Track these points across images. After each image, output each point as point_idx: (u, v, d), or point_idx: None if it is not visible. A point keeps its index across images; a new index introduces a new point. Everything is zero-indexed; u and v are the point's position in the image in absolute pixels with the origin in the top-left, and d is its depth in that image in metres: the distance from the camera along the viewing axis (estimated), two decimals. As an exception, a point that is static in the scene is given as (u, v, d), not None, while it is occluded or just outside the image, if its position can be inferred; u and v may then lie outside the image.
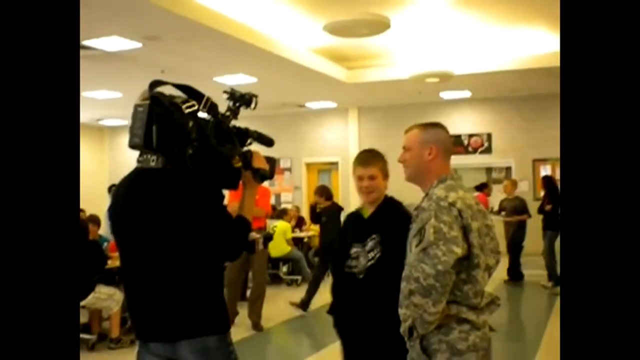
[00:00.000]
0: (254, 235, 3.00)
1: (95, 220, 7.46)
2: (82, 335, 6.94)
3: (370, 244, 3.21)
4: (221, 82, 11.23)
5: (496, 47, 11.26)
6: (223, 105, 2.64)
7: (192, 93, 2.49)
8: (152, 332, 2.54)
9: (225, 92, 2.69)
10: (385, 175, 3.35)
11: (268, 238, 3.17)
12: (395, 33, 9.42)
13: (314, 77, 11.77)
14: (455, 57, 11.46)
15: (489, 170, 15.48)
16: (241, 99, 2.67)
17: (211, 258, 2.49)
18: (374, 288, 3.16)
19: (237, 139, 2.62)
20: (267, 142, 2.78)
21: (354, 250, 3.27)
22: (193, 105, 2.42)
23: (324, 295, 9.04)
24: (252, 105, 2.69)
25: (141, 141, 2.37)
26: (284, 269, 11.35)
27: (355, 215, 3.47)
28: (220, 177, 2.56)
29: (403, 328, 2.63)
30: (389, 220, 3.25)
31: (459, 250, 2.50)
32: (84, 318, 7.29)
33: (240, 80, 11.41)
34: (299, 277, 11.01)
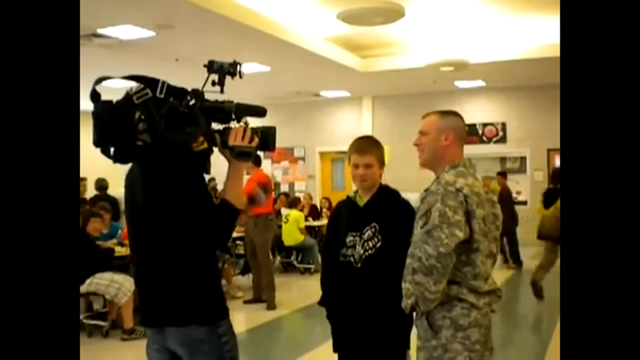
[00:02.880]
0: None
1: (96, 214, 7.31)
2: (96, 322, 6.99)
3: (368, 232, 3.18)
4: (216, 62, 11.15)
5: (510, 36, 11.16)
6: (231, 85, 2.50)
7: (146, 81, 2.34)
8: (145, 317, 2.59)
9: (204, 65, 2.54)
10: (382, 164, 3.29)
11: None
12: (409, 21, 9.36)
13: (328, 65, 11.72)
14: (469, 46, 11.36)
15: (503, 159, 15.40)
16: (221, 70, 2.50)
17: (195, 246, 2.42)
18: (373, 277, 3.14)
19: (217, 116, 2.49)
20: (255, 112, 2.56)
21: (349, 238, 3.23)
22: (146, 94, 2.30)
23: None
24: (237, 74, 2.51)
25: (94, 141, 2.30)
26: (298, 257, 11.37)
27: (349, 203, 3.39)
28: (183, 164, 2.39)
29: (405, 303, 2.75)
30: (387, 209, 3.23)
31: (460, 234, 2.61)
32: (98, 305, 7.34)
33: (254, 69, 11.38)
34: (312, 266, 11.03)
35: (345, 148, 12.56)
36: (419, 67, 11.66)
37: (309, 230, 11.67)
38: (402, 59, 12.18)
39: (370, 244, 3.16)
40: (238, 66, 2.52)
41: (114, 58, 10.30)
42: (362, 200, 3.30)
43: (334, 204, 10.06)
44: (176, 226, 2.38)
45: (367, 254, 3.15)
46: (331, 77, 13.17)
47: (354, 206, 3.33)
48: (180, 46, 9.79)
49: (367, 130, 15.94)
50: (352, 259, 3.20)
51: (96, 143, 2.29)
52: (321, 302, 3.41)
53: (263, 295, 8.20)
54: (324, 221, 11.78)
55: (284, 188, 16.35)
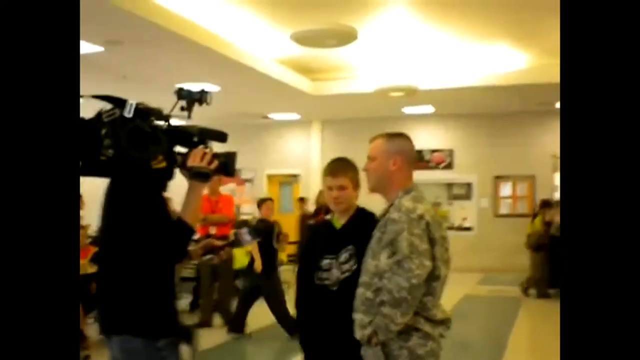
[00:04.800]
0: (216, 242, 2.98)
1: None
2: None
3: (344, 255, 3.14)
4: (185, 89, 11.00)
5: (460, 63, 11.32)
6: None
7: (115, 101, 2.50)
8: (99, 325, 2.72)
9: (174, 92, 2.69)
10: (356, 185, 3.26)
11: (231, 244, 3.07)
12: (361, 45, 9.38)
13: (278, 87, 11.66)
14: (419, 72, 11.47)
15: (450, 186, 15.54)
16: (189, 96, 2.66)
17: (147, 260, 2.51)
18: (349, 300, 3.05)
19: (181, 139, 2.63)
20: (217, 137, 2.71)
21: (325, 261, 3.18)
22: (114, 114, 2.44)
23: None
24: (205, 102, 2.66)
25: None
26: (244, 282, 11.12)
27: (326, 226, 3.37)
28: (141, 179, 2.53)
29: (360, 334, 2.73)
30: (363, 232, 3.15)
31: (429, 264, 2.59)
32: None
33: (204, 89, 11.21)
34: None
35: (294, 171, 12.68)
36: (369, 92, 11.70)
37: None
38: (353, 83, 12.21)
39: (347, 267, 3.12)
40: (206, 94, 2.68)
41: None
42: (339, 222, 3.27)
43: (283, 227, 9.98)
44: (130, 239, 2.51)
45: (343, 276, 3.11)
46: (281, 99, 13.10)
47: (331, 229, 3.29)
48: (129, 63, 9.59)
49: (315, 154, 15.92)
50: (328, 282, 3.16)
51: None
52: (296, 326, 3.38)
53: (210, 319, 8.09)
54: (248, 244, 11.56)
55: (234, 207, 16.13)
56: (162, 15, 7.84)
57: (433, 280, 2.64)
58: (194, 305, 9.26)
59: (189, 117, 2.64)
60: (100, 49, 8.64)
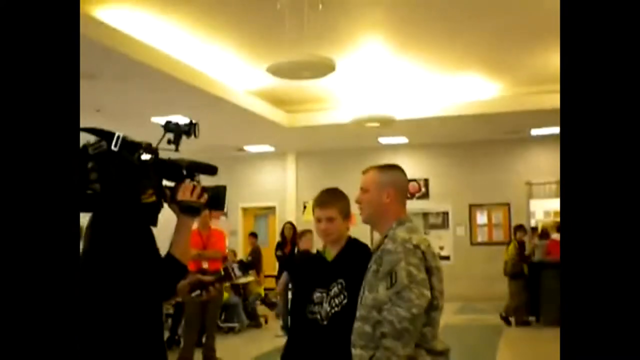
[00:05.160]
0: (204, 278, 2.89)
1: None
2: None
3: (334, 289, 3.07)
4: (158, 122, 10.92)
5: (434, 93, 11.42)
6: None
7: (102, 134, 2.43)
8: None
9: (162, 125, 2.62)
10: (346, 216, 3.19)
11: (221, 279, 2.97)
12: (336, 77, 9.39)
13: (253, 119, 11.63)
14: (394, 102, 11.53)
15: (426, 215, 15.56)
16: (177, 129, 2.59)
17: (135, 297, 2.42)
18: (338, 335, 2.97)
19: (169, 173, 2.56)
20: (206, 170, 2.63)
21: (317, 294, 3.11)
22: (101, 147, 2.38)
23: (262, 344, 8.78)
24: (193, 134, 2.60)
25: None
26: (221, 316, 10.97)
27: (317, 258, 3.30)
28: (130, 214, 2.44)
29: None
30: (354, 264, 3.09)
31: (428, 294, 2.54)
32: None
33: (178, 121, 11.11)
34: (236, 325, 10.68)
35: (269, 204, 12.56)
36: (345, 122, 11.69)
37: (234, 287, 11.32)
38: (328, 115, 12.24)
39: (337, 301, 3.05)
40: (194, 126, 2.61)
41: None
42: (330, 254, 3.20)
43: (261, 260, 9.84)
44: (117, 276, 2.39)
45: (333, 311, 3.05)
46: (256, 131, 13.07)
47: (322, 261, 3.22)
48: (103, 97, 9.49)
49: (290, 186, 15.86)
50: (318, 316, 3.08)
51: None
52: (284, 358, 3.27)
53: (192, 356, 7.86)
54: (249, 278, 11.48)
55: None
56: (135, 48, 7.80)
57: (432, 310, 2.60)
58: (171, 342, 9.04)
59: (177, 149, 2.57)
60: (73, 82, 8.54)
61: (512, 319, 10.58)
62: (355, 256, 3.14)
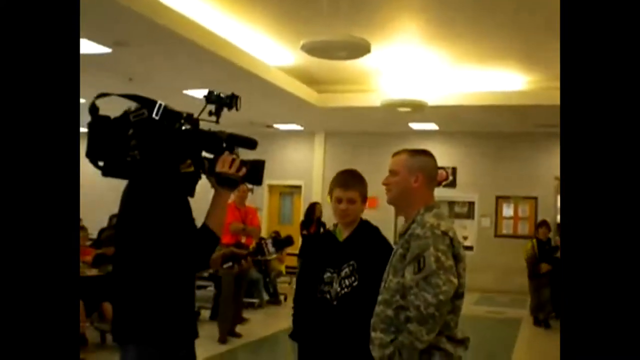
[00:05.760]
0: (237, 250, 2.90)
1: None
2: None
3: (345, 270, 3.09)
4: (190, 94, 10.97)
5: (465, 82, 11.30)
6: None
7: (143, 101, 2.43)
8: (115, 332, 2.59)
9: (204, 96, 2.61)
10: (364, 200, 3.22)
11: (253, 253, 2.98)
12: (370, 59, 9.32)
13: (283, 97, 11.58)
14: (424, 88, 11.40)
15: (452, 204, 15.45)
16: (219, 101, 2.57)
17: (167, 266, 2.42)
18: (348, 316, 3.04)
19: (209, 144, 2.55)
20: (245, 143, 2.64)
21: (327, 274, 3.14)
22: (142, 114, 2.39)
23: (280, 321, 8.82)
24: (235, 107, 2.58)
25: (86, 152, 2.39)
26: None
27: (329, 237, 3.31)
28: (168, 183, 2.45)
29: (380, 353, 2.61)
30: (366, 247, 3.14)
31: (455, 280, 2.54)
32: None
33: (234, 93, 11.11)
34: (256, 300, 10.74)
35: (296, 182, 12.54)
36: (376, 105, 11.61)
37: (256, 263, 11.36)
38: (359, 97, 12.14)
39: (347, 282, 3.08)
40: (236, 99, 2.60)
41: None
42: (342, 235, 3.22)
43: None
44: (152, 244, 2.40)
45: (343, 292, 3.08)
46: (286, 109, 13.04)
47: (334, 241, 3.24)
48: (136, 65, 9.51)
49: (317, 166, 15.84)
50: (328, 296, 3.11)
51: (87, 154, 2.38)
52: (292, 336, 3.30)
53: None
54: (272, 255, 11.49)
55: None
56: (171, 17, 7.77)
57: (457, 298, 2.60)
58: (214, 314, 9.02)
59: (217, 122, 2.56)
60: (107, 49, 8.56)
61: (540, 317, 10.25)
62: (367, 238, 3.18)
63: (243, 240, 7.64)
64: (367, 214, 3.23)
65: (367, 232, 3.22)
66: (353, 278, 3.06)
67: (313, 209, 10.93)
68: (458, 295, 2.60)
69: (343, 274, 3.09)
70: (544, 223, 10.92)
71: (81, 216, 12.32)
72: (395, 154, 2.88)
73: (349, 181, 3.22)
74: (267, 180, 16.06)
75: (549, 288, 10.21)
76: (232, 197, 8.03)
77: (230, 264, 2.84)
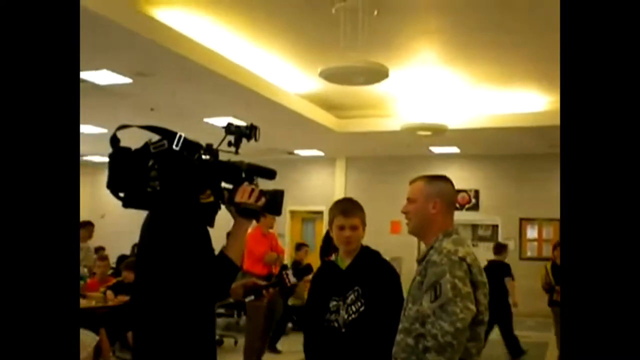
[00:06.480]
0: (259, 282, 2.89)
1: None
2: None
3: (351, 297, 3.14)
4: (211, 122, 11.05)
5: (485, 104, 11.27)
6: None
7: (163, 133, 2.47)
8: None
9: (223, 127, 2.65)
10: (364, 226, 3.31)
11: (274, 284, 2.94)
12: (389, 84, 9.34)
13: (304, 123, 11.64)
14: (444, 111, 11.40)
15: (475, 227, 15.34)
16: (238, 131, 2.60)
17: (188, 296, 2.43)
18: (357, 342, 3.07)
19: (228, 175, 2.57)
20: (264, 173, 2.65)
21: (332, 303, 3.18)
22: (162, 145, 2.42)
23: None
24: (253, 137, 2.61)
25: (107, 183, 2.41)
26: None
27: (331, 266, 3.36)
28: (188, 213, 2.47)
29: None
30: (369, 272, 3.19)
31: (473, 307, 2.49)
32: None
33: (253, 123, 11.17)
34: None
35: (317, 208, 12.42)
36: (396, 130, 11.61)
37: (283, 295, 11.30)
38: (379, 121, 12.17)
39: (354, 308, 3.12)
40: (255, 130, 2.62)
41: (85, 103, 10.08)
42: (344, 262, 3.27)
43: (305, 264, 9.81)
44: (173, 274, 2.42)
45: (350, 318, 3.11)
46: (307, 135, 13.09)
47: (336, 269, 3.29)
48: (157, 95, 9.62)
49: (339, 192, 15.82)
50: (336, 324, 3.14)
51: (108, 185, 2.41)
52: None
53: None
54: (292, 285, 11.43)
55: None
56: (191, 48, 7.87)
57: (477, 325, 2.55)
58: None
59: (237, 152, 2.59)
60: (128, 80, 8.68)
61: None
62: (368, 263, 3.24)
63: (274, 269, 7.55)
64: (391, 239, 3.24)
65: (368, 257, 3.28)
66: (359, 304, 3.10)
67: (330, 237, 10.85)
68: (478, 322, 2.55)
69: (349, 300, 3.13)
70: (559, 244, 9.57)
71: (104, 245, 12.40)
72: (412, 181, 2.88)
73: (349, 208, 3.30)
74: (289, 206, 16.20)
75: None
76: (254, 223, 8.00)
77: (252, 297, 2.84)
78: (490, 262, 9.81)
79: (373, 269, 3.21)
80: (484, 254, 14.63)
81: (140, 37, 7.01)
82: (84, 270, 8.61)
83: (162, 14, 7.41)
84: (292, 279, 2.88)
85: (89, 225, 9.31)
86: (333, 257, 3.39)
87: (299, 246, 11.11)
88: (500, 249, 10.36)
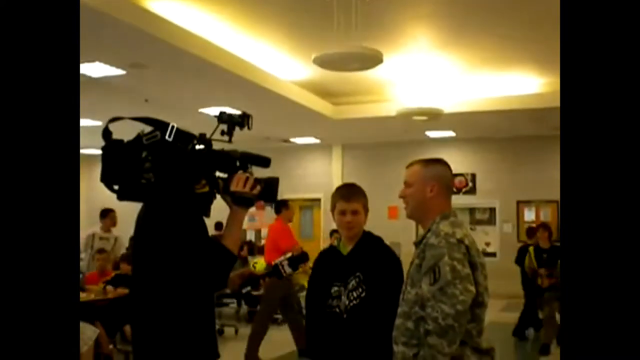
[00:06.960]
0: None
1: None
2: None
3: (352, 282, 3.13)
4: (206, 112, 11.03)
5: (481, 87, 11.26)
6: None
7: (156, 124, 2.44)
8: (135, 353, 2.59)
9: (215, 116, 2.63)
10: (366, 211, 3.29)
11: (270, 274, 2.94)
12: (383, 70, 9.32)
13: (299, 111, 11.62)
14: (439, 96, 11.38)
15: (472, 210, 15.37)
16: (230, 120, 2.59)
17: (186, 287, 2.43)
18: (359, 328, 3.07)
19: (222, 164, 2.56)
20: (259, 161, 2.65)
21: (334, 289, 3.18)
22: (155, 136, 2.40)
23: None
24: (246, 125, 2.59)
25: (100, 176, 2.40)
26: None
27: (333, 252, 3.35)
28: (184, 204, 2.46)
29: None
30: (371, 258, 3.18)
31: (473, 289, 2.49)
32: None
33: (245, 112, 11.17)
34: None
35: (314, 195, 12.41)
36: (391, 115, 11.60)
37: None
38: (375, 107, 12.15)
39: (355, 294, 3.11)
40: (247, 118, 2.61)
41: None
42: (346, 248, 3.26)
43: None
44: (170, 265, 2.41)
45: (352, 304, 3.11)
46: (302, 123, 13.07)
47: (338, 255, 3.28)
48: (151, 87, 9.60)
49: (336, 179, 15.82)
50: (337, 310, 3.14)
51: (102, 179, 2.39)
52: (307, 353, 3.32)
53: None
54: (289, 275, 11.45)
55: (250, 235, 16.06)
56: (184, 39, 7.84)
57: (477, 307, 2.54)
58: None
59: (230, 141, 2.57)
60: (122, 72, 8.64)
61: None
62: (370, 249, 3.22)
63: None
64: (389, 224, 3.24)
65: (370, 243, 3.26)
66: (360, 289, 3.10)
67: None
68: (478, 303, 2.55)
69: (350, 286, 3.12)
70: (542, 226, 9.30)
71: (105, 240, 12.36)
72: (409, 165, 2.87)
73: (350, 193, 3.29)
74: (286, 194, 16.12)
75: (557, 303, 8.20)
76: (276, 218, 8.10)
77: (249, 288, 2.84)
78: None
79: (374, 255, 3.19)
80: (482, 238, 14.71)
81: (133, 29, 6.97)
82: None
83: (155, 5, 7.37)
84: (288, 270, 2.88)
85: (111, 212, 8.78)
86: (335, 242, 3.36)
87: None
88: (531, 233, 10.37)
